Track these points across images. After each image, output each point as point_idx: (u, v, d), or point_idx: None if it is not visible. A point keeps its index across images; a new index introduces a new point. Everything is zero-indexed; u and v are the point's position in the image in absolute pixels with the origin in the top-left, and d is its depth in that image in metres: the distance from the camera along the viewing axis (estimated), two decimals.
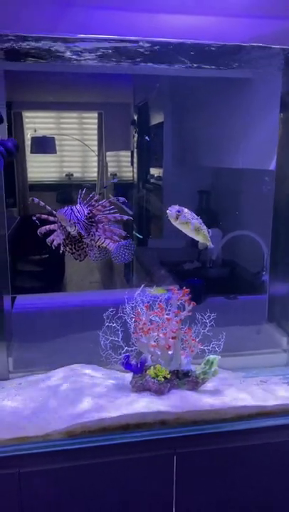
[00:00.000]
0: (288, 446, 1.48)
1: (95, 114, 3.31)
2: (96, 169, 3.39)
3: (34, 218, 1.35)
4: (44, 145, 3.28)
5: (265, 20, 1.26)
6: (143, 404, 1.44)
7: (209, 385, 1.56)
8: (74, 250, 1.39)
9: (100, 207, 1.37)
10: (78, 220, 1.33)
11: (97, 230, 1.37)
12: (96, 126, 3.33)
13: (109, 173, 3.46)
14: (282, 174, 1.82)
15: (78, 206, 1.35)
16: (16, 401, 1.47)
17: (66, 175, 3.36)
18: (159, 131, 3.22)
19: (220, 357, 1.52)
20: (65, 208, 1.33)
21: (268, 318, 1.99)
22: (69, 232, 1.36)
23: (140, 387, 1.51)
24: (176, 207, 1.36)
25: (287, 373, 1.72)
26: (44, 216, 1.36)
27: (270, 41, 1.27)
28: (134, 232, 3.30)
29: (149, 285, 1.68)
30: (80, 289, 3.22)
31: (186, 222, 1.37)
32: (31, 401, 1.47)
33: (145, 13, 1.12)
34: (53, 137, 3.27)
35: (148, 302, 1.56)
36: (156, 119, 3.28)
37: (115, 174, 3.52)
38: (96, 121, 3.32)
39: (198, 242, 1.45)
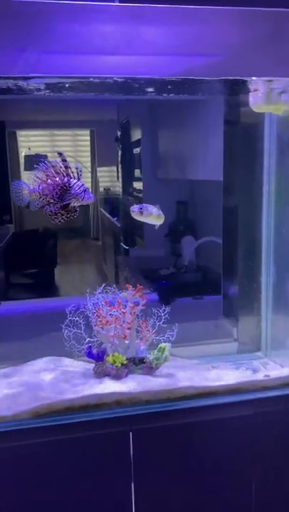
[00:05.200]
0: (232, 422, 1.67)
1: (87, 132, 3.52)
2: (90, 185, 3.58)
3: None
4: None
5: (192, 57, 1.50)
6: (102, 387, 1.64)
7: (164, 371, 1.76)
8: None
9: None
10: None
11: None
12: (89, 143, 3.53)
13: (102, 188, 3.68)
14: (227, 184, 2.05)
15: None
16: None
17: None
18: (138, 147, 3.45)
19: (170, 344, 1.73)
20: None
21: (223, 313, 2.20)
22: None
23: (101, 373, 1.71)
24: (137, 206, 1.59)
25: (237, 360, 1.93)
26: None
27: (200, 74, 1.50)
28: (121, 244, 3.51)
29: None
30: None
31: (150, 214, 1.60)
32: (3, 388, 1.67)
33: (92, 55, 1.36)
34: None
35: (107, 299, 1.77)
36: (136, 135, 3.52)
37: (109, 189, 3.74)
38: (88, 138, 3.53)
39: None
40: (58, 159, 1.52)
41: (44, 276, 3.30)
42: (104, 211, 3.59)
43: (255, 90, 1.63)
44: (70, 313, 1.71)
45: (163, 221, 1.65)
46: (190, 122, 2.57)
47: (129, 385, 1.65)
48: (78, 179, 1.52)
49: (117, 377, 1.69)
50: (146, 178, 3.46)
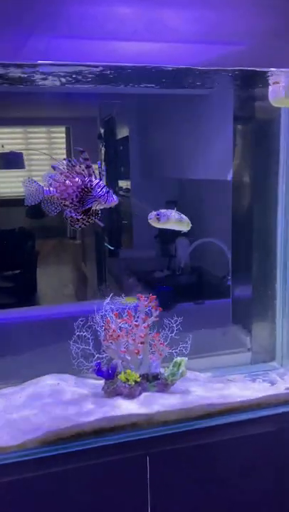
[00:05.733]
0: (256, 439, 1.56)
1: (63, 129, 3.37)
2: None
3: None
4: (12, 160, 3.31)
5: (211, 46, 1.37)
6: (115, 408, 1.49)
7: (179, 387, 1.63)
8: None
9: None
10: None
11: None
12: (64, 141, 3.39)
13: None
14: (237, 184, 1.94)
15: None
16: None
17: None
18: (125, 145, 3.31)
19: (187, 358, 1.60)
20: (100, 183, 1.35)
21: (233, 320, 2.09)
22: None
23: (112, 392, 1.56)
24: (154, 212, 1.45)
25: (251, 371, 1.82)
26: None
27: (218, 64, 1.37)
28: (105, 244, 3.37)
29: (118, 295, 1.74)
30: (52, 303, 3.23)
31: (168, 220, 1.46)
32: (5, 413, 1.50)
33: (101, 40, 1.21)
34: (21, 152, 3.31)
35: (117, 310, 1.62)
36: (122, 133, 3.38)
37: None
38: (64, 135, 3.38)
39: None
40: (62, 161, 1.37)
41: (23, 280, 3.12)
42: None
43: (276, 83, 1.51)
44: (77, 328, 1.56)
45: (189, 225, 1.52)
46: (189, 118, 2.44)
47: (145, 405, 1.51)
48: (100, 179, 1.36)
49: (131, 396, 1.54)
50: (134, 177, 3.33)
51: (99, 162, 1.38)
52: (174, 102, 2.41)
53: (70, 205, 1.35)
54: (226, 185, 2.05)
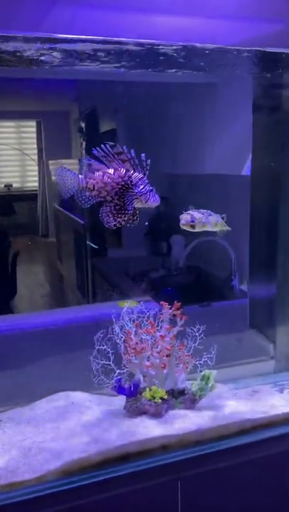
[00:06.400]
0: None
1: (33, 123, 3.20)
2: (37, 178, 3.25)
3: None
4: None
5: (242, 23, 1.22)
6: (142, 430, 1.34)
7: (204, 402, 1.49)
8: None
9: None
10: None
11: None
12: (35, 135, 3.21)
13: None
14: (257, 179, 1.81)
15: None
16: None
17: (5, 185, 3.22)
18: (112, 139, 3.14)
19: (216, 371, 1.46)
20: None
21: (250, 324, 1.96)
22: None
23: (136, 411, 1.41)
24: (186, 217, 1.29)
25: (277, 381, 1.70)
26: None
27: (244, 44, 1.23)
28: (87, 242, 3.20)
29: (116, 298, 1.60)
30: (35, 308, 3.02)
31: (204, 225, 1.32)
32: (17, 440, 1.32)
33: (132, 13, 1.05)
34: None
35: (137, 319, 1.47)
36: (108, 125, 3.21)
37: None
38: (34, 129, 3.21)
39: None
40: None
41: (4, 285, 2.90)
42: (59, 207, 3.25)
43: None
44: (97, 341, 1.39)
45: (225, 228, 1.38)
46: (193, 109, 2.30)
47: (174, 424, 1.37)
48: (144, 175, 1.20)
49: (157, 415, 1.40)
50: None
51: (143, 154, 1.21)
52: (176, 91, 2.26)
53: (108, 201, 1.19)
54: (241, 181, 1.93)
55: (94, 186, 1.19)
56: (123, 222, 1.22)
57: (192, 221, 1.28)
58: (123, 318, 1.49)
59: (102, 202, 1.23)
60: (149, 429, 1.34)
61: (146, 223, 2.84)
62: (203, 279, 2.75)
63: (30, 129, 3.15)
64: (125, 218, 1.21)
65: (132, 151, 1.24)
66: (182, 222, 1.28)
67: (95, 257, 3.15)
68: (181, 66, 1.45)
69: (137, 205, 1.22)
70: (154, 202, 1.21)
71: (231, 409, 1.47)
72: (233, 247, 2.38)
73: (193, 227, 1.28)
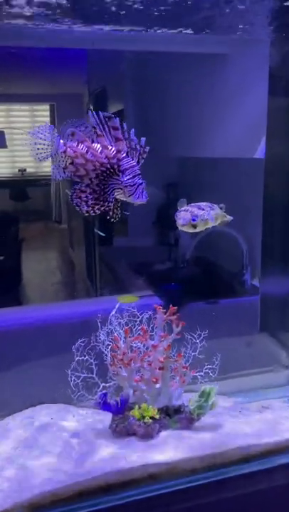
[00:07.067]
0: None
1: (47, 107, 3.03)
2: (51, 163, 3.10)
3: None
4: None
5: None
6: (127, 455, 1.14)
7: (205, 420, 1.28)
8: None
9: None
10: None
11: None
12: (49, 119, 3.05)
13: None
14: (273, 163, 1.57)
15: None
16: None
17: (19, 170, 3.09)
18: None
19: (218, 386, 1.25)
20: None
21: (261, 325, 1.74)
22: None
23: (123, 432, 1.21)
24: (185, 216, 1.06)
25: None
26: None
27: None
28: (95, 230, 3.01)
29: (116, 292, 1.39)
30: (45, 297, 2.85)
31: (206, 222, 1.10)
32: None
33: None
34: (3, 131, 2.97)
35: (126, 324, 1.26)
36: (116, 106, 2.99)
37: None
38: (48, 113, 3.05)
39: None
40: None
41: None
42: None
43: None
44: (77, 351, 1.19)
45: (226, 219, 1.16)
46: (203, 84, 2.05)
47: (167, 449, 1.16)
48: (137, 163, 0.99)
49: (147, 436, 1.19)
50: None
51: (143, 139, 1.00)
52: (184, 64, 2.02)
53: (85, 184, 0.98)
54: (255, 165, 1.69)
55: (73, 161, 0.97)
56: (98, 212, 1.01)
57: (194, 220, 1.05)
58: (111, 323, 1.29)
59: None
60: (136, 455, 1.14)
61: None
62: (211, 272, 2.53)
63: (43, 112, 3.01)
64: (102, 208, 1.00)
65: (132, 132, 1.03)
66: (181, 222, 1.05)
67: (101, 246, 3.00)
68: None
69: (119, 196, 1.01)
70: (138, 199, 0.99)
71: (236, 430, 1.26)
72: (244, 238, 2.15)
73: (194, 226, 1.06)
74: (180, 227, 1.06)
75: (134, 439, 1.20)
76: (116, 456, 1.14)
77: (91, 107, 3.09)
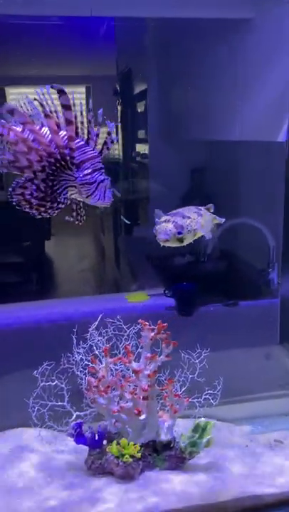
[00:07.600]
0: None
1: (83, 89, 2.88)
2: None
3: None
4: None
5: None
6: (101, 502, 0.95)
7: (199, 459, 1.07)
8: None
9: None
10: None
11: None
12: (85, 102, 2.92)
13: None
14: None
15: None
16: None
17: None
18: (143, 100, 2.70)
19: (215, 421, 1.03)
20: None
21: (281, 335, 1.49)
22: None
23: (99, 470, 1.03)
24: (167, 229, 0.83)
25: None
26: None
27: None
28: (121, 217, 2.84)
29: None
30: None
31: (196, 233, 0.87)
32: None
33: None
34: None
35: (106, 343, 1.06)
36: (140, 86, 2.76)
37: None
38: (84, 96, 2.90)
39: None
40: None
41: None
42: None
43: None
44: (42, 377, 1.00)
45: (219, 221, 0.94)
46: (226, 59, 1.78)
47: (148, 495, 0.96)
48: (100, 153, 0.78)
49: (127, 477, 1.00)
50: (153, 140, 2.72)
51: (111, 123, 0.78)
52: (206, 34, 1.76)
53: (26, 178, 0.77)
54: (277, 149, 1.43)
55: (9, 146, 0.76)
56: (45, 215, 0.80)
57: (180, 233, 0.83)
58: (92, 338, 1.09)
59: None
60: (111, 501, 0.95)
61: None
62: (233, 270, 2.27)
63: (78, 95, 2.94)
64: (50, 211, 0.79)
65: (100, 112, 0.81)
66: (162, 237, 0.82)
67: (126, 235, 2.83)
68: None
69: (75, 196, 0.80)
70: (99, 201, 0.77)
71: (237, 472, 1.04)
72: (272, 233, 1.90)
73: (180, 240, 0.83)
74: (162, 243, 0.83)
75: (111, 480, 1.01)
76: (87, 501, 0.95)
77: (117, 88, 2.89)
